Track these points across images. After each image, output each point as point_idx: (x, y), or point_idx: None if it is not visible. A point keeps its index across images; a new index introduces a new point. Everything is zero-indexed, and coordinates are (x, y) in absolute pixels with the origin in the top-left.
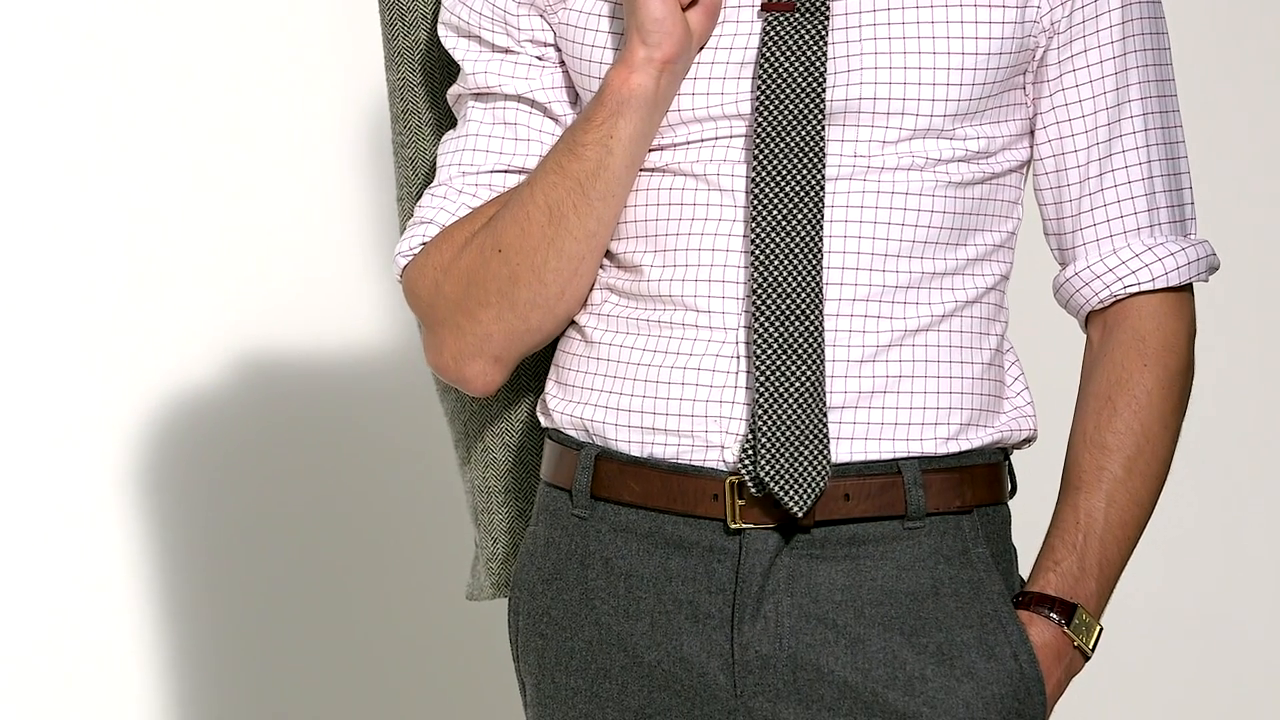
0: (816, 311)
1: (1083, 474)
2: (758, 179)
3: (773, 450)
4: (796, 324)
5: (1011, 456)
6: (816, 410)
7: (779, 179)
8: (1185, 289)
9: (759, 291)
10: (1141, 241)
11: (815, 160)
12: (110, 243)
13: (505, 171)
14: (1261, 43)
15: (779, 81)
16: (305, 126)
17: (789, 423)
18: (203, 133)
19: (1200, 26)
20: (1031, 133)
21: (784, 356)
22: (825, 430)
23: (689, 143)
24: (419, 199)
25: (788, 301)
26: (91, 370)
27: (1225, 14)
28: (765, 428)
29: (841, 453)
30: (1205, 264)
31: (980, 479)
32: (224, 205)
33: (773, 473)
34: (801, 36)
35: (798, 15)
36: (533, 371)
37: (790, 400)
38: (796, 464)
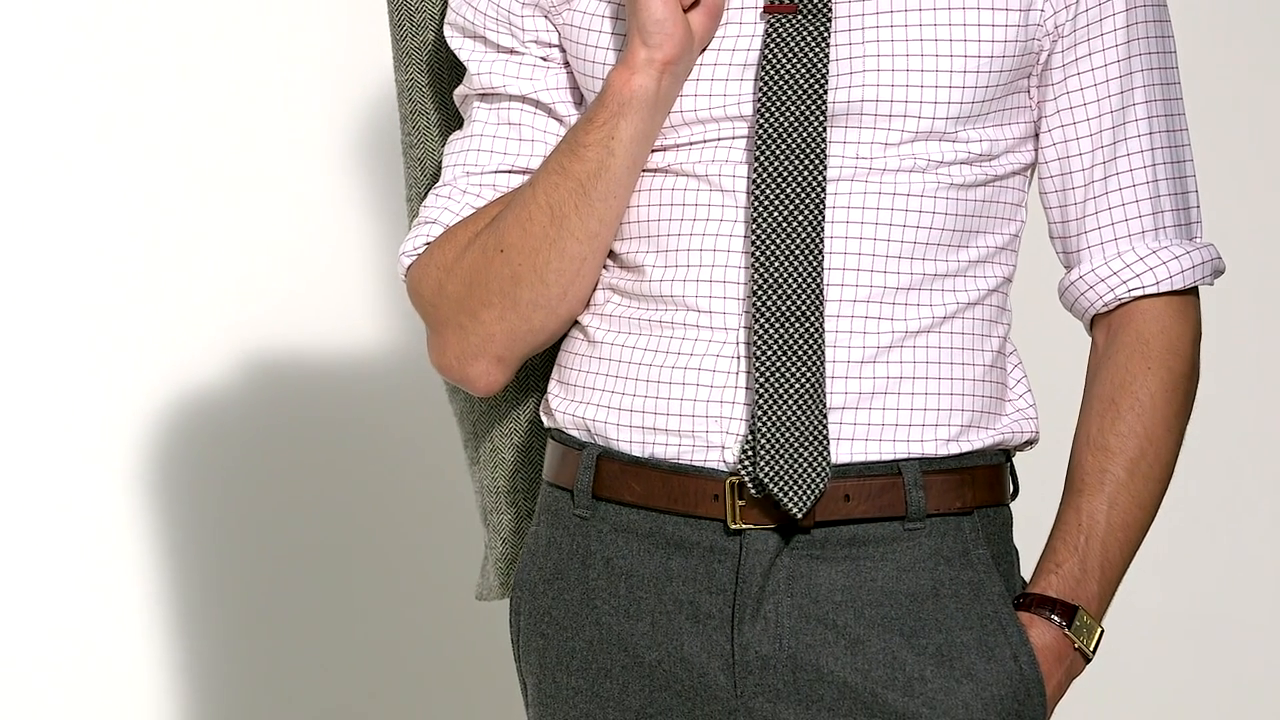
0: (817, 312)
1: (1085, 476)
2: (759, 180)
3: (772, 451)
4: (797, 324)
5: (1014, 458)
6: (817, 411)
7: (780, 180)
8: (1190, 292)
9: (759, 292)
10: (1146, 245)
11: (817, 162)
12: (116, 243)
13: (509, 172)
14: (1266, 44)
15: (781, 83)
16: (312, 127)
17: (789, 423)
18: (209, 133)
19: (1204, 27)
20: (1036, 136)
21: (784, 357)
22: (825, 431)
23: (691, 144)
24: (424, 199)
25: (788, 302)
26: (98, 371)
27: (1229, 15)
28: (765, 429)
29: (842, 453)
30: (1210, 267)
31: (981, 480)
32: (229, 205)
33: (772, 474)
34: (804, 38)
35: (800, 17)
36: (541, 372)
37: (790, 401)
38: (796, 465)
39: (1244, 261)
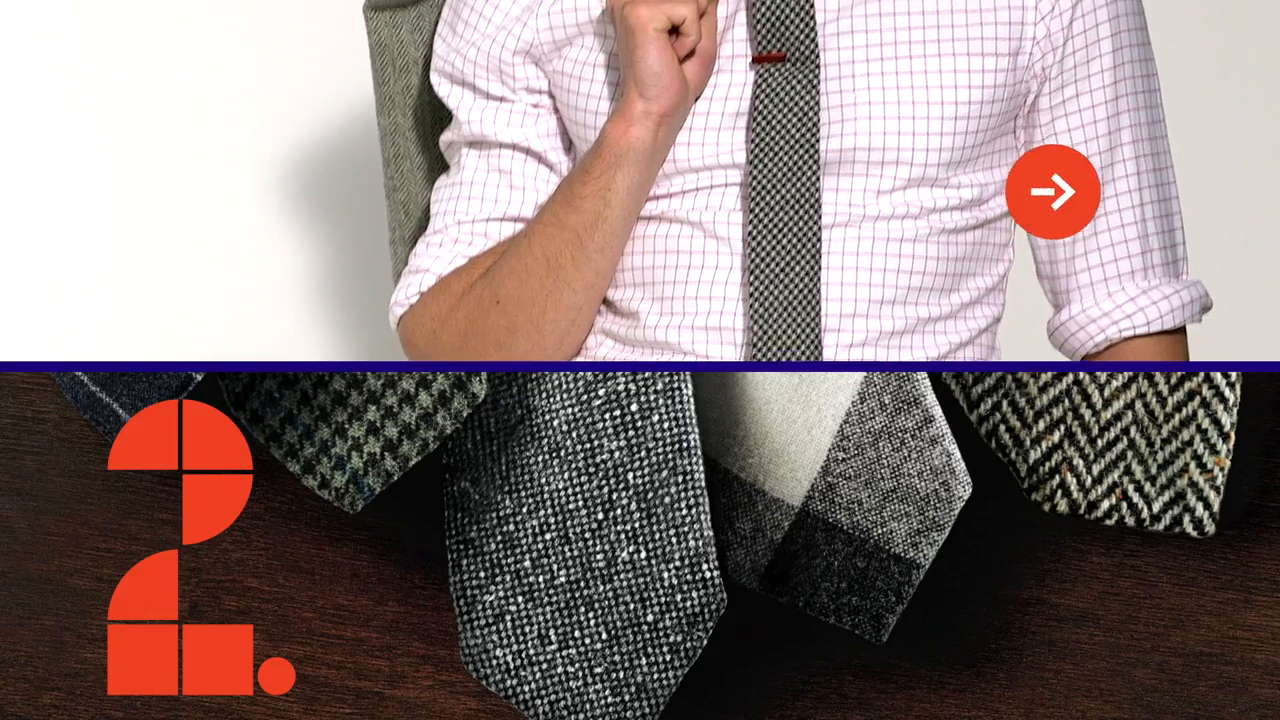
0: (815, 360)
1: None
2: (755, 231)
3: None
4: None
5: None
6: None
7: (776, 230)
8: (1179, 330)
9: (758, 341)
10: (1135, 285)
11: (812, 212)
12: (114, 250)
13: (501, 220)
14: (1250, 72)
15: (772, 134)
16: (310, 149)
17: None
18: (202, 149)
19: (1190, 61)
20: None
21: None
22: None
23: (684, 191)
24: (413, 245)
25: (787, 351)
26: None
27: (1219, 47)
28: None
29: None
30: (1199, 305)
31: None
32: (217, 219)
33: None
34: (793, 88)
35: (788, 66)
36: None
37: None
38: None
39: (1218, 292)
